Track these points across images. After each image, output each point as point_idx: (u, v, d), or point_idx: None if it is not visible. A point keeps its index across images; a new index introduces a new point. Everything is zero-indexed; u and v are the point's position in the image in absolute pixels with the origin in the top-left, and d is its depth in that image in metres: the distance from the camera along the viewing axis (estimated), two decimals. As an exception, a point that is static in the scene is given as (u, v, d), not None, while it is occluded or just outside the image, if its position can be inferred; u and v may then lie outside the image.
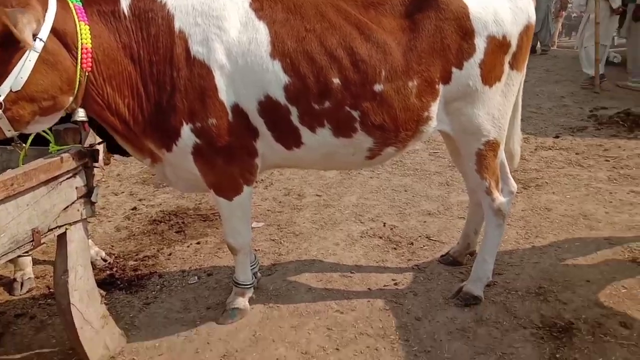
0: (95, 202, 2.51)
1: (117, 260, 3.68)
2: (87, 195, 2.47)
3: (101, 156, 5.49)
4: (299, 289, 3.21)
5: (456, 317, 2.86)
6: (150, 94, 2.38)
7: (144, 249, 3.84)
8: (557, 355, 2.52)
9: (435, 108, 2.65)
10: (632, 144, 5.44)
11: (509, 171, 3.10)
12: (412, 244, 3.70)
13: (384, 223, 4.01)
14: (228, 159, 2.52)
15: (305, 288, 3.21)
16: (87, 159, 2.44)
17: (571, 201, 4.21)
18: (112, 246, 3.93)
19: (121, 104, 2.36)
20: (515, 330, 2.72)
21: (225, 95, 2.41)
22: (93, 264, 3.56)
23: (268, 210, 4.40)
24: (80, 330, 2.48)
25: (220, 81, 2.39)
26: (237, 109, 2.44)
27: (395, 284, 3.21)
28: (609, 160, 5.04)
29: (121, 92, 2.35)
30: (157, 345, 2.76)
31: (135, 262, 3.65)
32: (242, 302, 2.94)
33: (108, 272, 3.53)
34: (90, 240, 3.64)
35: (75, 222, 2.42)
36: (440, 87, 2.61)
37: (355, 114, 2.51)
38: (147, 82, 2.38)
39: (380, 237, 3.81)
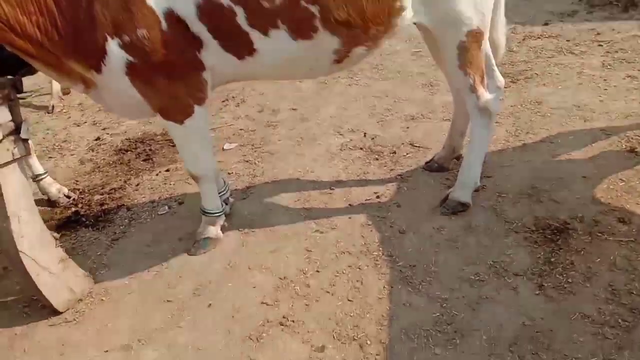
0: (27, 139, 2.21)
1: (82, 196, 3.45)
2: (16, 132, 2.16)
3: (57, 86, 5.03)
4: (276, 211, 3.00)
5: (443, 227, 2.68)
6: (63, 7, 2.01)
7: (110, 181, 3.59)
8: (552, 260, 2.36)
9: (409, -5, 2.28)
10: (627, 25, 5.04)
11: (495, 64, 2.78)
12: (394, 152, 3.45)
13: (365, 133, 3.74)
14: (170, 76, 2.20)
15: (283, 210, 3.00)
16: (7, 90, 2.10)
17: (563, 92, 3.92)
18: (77, 181, 3.67)
19: (28, 23, 1.99)
20: (507, 236, 2.56)
21: (153, 0, 2.03)
22: (56, 202, 3.35)
23: (241, 129, 4.10)
24: (37, 278, 2.30)
25: None
26: (171, 16, 2.08)
27: (378, 196, 3.01)
28: (602, 45, 4.67)
29: (25, 9, 1.97)
30: (126, 283, 2.60)
31: (101, 196, 3.42)
32: (213, 230, 2.74)
33: (73, 209, 3.30)
34: (49, 177, 3.39)
35: (7, 164, 2.14)
36: (414, -31, 2.23)
37: (314, 9, 2.15)
38: None
39: (361, 149, 3.55)
